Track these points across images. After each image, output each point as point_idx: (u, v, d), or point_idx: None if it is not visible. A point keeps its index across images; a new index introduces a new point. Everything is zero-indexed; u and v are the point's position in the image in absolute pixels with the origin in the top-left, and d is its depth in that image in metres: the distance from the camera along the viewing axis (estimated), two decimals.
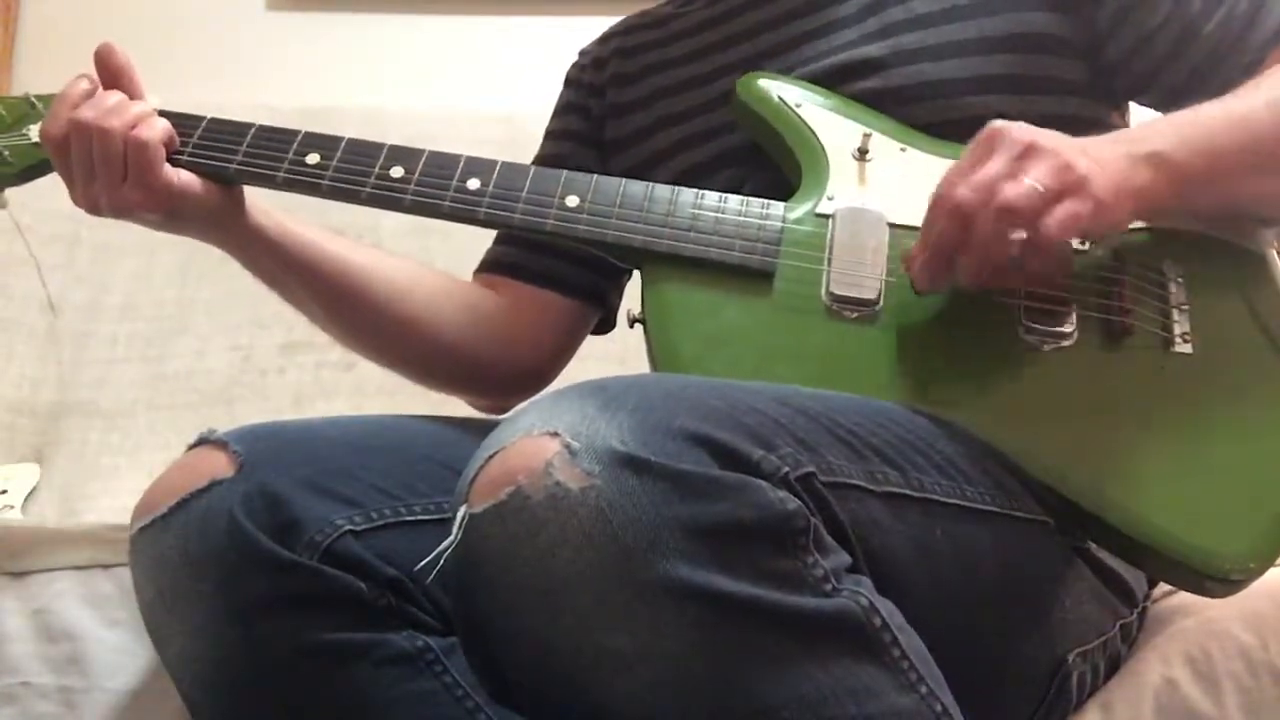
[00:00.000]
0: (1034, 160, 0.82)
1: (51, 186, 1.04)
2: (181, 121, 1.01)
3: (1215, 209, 0.93)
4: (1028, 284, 0.89)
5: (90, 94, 0.98)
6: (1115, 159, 0.85)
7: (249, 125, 1.01)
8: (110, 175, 0.96)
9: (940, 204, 0.84)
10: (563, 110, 1.22)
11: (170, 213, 0.98)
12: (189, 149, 1.00)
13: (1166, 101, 0.99)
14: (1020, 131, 0.84)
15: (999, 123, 0.85)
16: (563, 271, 1.13)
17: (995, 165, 0.82)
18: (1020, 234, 0.81)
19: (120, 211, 0.98)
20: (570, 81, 1.23)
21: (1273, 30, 0.96)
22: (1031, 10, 1.01)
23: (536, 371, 1.14)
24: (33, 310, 1.75)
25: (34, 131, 1.02)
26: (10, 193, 1.06)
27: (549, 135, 1.21)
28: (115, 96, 0.97)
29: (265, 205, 1.03)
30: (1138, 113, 1.06)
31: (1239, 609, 0.90)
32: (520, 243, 1.15)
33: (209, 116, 1.01)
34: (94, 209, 0.98)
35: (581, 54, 1.23)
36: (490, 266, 1.17)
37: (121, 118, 0.96)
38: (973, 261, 0.84)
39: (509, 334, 1.13)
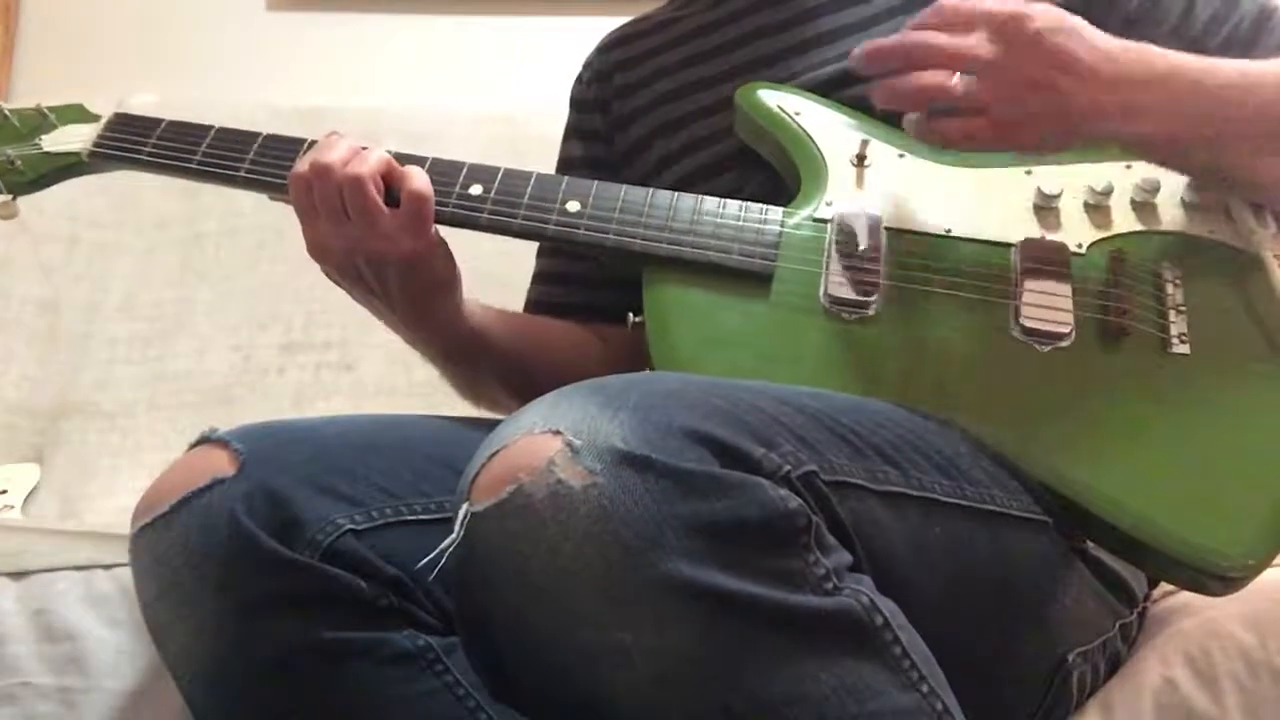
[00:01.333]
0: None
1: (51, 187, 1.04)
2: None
3: (1209, 171, 0.93)
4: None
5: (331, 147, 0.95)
6: (1113, 100, 0.85)
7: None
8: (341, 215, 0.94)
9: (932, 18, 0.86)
10: (569, 135, 1.23)
11: (416, 256, 0.96)
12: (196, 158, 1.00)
13: None
14: (1044, 46, 0.84)
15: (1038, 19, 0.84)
16: (602, 300, 1.13)
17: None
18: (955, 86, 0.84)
19: (356, 253, 0.95)
20: (574, 102, 1.23)
21: (1274, 50, 0.96)
22: None
23: None
24: (33, 311, 1.75)
25: (46, 141, 1.02)
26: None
27: (559, 164, 1.21)
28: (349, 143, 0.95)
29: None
30: None
31: (1239, 609, 0.90)
32: (554, 280, 1.16)
33: (217, 126, 1.01)
34: (321, 256, 0.97)
35: (583, 68, 1.23)
36: (535, 308, 1.17)
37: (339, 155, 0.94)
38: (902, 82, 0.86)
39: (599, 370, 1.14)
